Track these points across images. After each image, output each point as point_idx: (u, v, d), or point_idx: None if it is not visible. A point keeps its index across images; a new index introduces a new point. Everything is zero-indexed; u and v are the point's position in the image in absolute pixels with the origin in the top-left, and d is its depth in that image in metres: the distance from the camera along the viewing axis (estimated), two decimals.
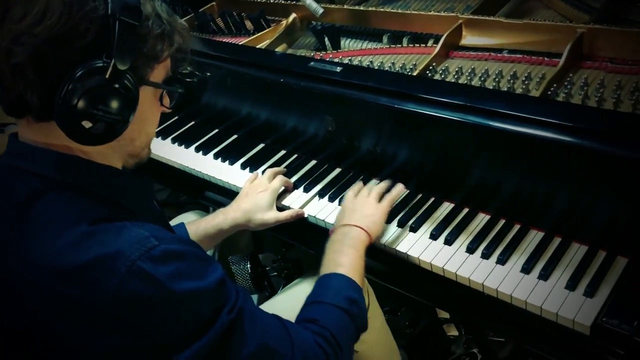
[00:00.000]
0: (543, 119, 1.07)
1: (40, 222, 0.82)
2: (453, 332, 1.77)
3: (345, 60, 1.54)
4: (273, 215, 1.35)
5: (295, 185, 1.47)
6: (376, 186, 1.30)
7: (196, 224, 1.37)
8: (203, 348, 0.82)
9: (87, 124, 0.81)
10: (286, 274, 1.96)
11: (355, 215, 1.21)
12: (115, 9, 0.79)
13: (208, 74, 1.63)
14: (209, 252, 1.65)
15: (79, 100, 0.79)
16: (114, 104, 0.81)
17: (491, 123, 1.11)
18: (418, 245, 1.22)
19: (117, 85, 0.81)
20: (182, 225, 1.37)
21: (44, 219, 0.82)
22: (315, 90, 1.37)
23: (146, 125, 0.93)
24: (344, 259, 1.12)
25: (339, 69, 1.36)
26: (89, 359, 0.82)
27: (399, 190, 1.29)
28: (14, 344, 0.87)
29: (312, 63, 1.42)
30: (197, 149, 1.70)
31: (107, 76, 0.80)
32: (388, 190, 1.30)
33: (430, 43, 1.53)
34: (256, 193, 1.39)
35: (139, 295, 0.78)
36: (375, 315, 1.54)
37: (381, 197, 1.28)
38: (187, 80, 0.99)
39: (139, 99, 0.85)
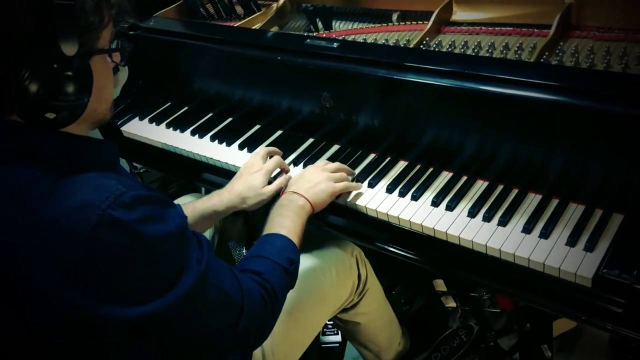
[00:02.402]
0: (536, 81, 1.10)
1: (4, 186, 0.82)
2: (451, 303, 1.81)
3: (340, 39, 1.56)
4: (266, 191, 1.36)
5: (295, 163, 1.49)
6: (341, 171, 1.35)
7: (192, 206, 1.38)
8: (175, 299, 0.85)
9: (50, 115, 0.81)
10: None
11: (307, 185, 1.29)
12: None
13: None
14: (208, 234, 1.66)
15: (36, 96, 0.78)
16: (72, 89, 0.81)
17: (487, 88, 1.15)
18: (420, 213, 1.25)
19: (70, 72, 0.80)
20: (177, 206, 1.38)
21: (7, 183, 0.82)
22: (312, 67, 1.39)
23: (104, 91, 0.91)
24: (288, 222, 1.20)
25: (335, 44, 1.39)
26: (69, 311, 0.82)
27: (355, 186, 1.35)
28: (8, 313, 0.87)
29: (308, 40, 1.44)
30: (193, 133, 1.71)
31: (57, 65, 0.79)
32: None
33: (421, 20, 1.56)
34: (250, 174, 1.40)
35: (112, 243, 0.79)
36: (374, 285, 1.59)
37: None
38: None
39: (93, 71, 0.84)
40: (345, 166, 1.39)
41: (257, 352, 1.25)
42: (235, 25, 1.75)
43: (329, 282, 1.42)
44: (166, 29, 1.73)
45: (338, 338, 1.95)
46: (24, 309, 0.84)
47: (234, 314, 0.96)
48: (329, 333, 1.98)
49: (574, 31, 1.35)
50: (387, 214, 1.28)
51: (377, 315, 1.63)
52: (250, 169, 1.42)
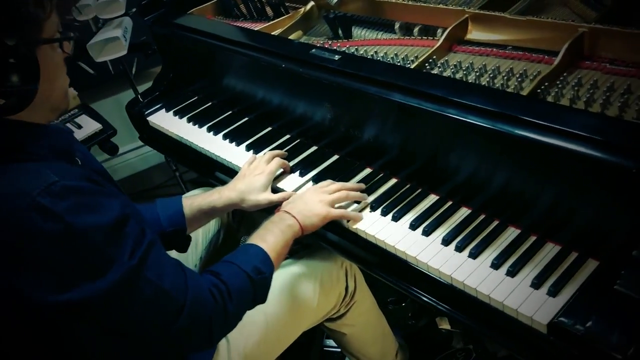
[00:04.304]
0: (519, 116, 1.07)
1: None
2: (445, 325, 1.78)
3: (353, 49, 1.56)
4: (266, 197, 1.40)
5: (293, 169, 1.51)
6: (343, 191, 1.33)
7: (192, 199, 1.43)
8: (100, 290, 0.88)
9: (0, 102, 0.86)
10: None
11: (302, 208, 1.29)
12: None
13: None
14: (213, 229, 1.70)
15: None
16: (17, 76, 0.85)
17: (465, 117, 1.12)
18: (396, 235, 1.24)
19: (13, 60, 0.84)
20: (179, 198, 1.43)
21: None
22: (312, 77, 1.40)
23: (56, 80, 0.95)
24: (270, 237, 1.21)
25: (337, 57, 1.39)
26: (1, 291, 0.89)
27: (354, 216, 1.31)
28: None
29: (313, 50, 1.45)
30: (209, 129, 1.77)
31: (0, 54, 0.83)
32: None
33: (438, 36, 1.53)
34: (253, 175, 1.43)
35: (39, 229, 0.84)
36: (364, 299, 1.58)
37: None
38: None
39: (40, 61, 0.88)
40: (351, 189, 1.35)
41: (223, 352, 1.29)
42: (259, 27, 1.78)
43: (312, 291, 1.43)
44: (190, 26, 1.79)
45: None
46: None
47: (171, 311, 0.98)
48: None
49: (584, 61, 1.28)
50: (365, 232, 1.28)
51: (365, 328, 1.63)
52: (254, 170, 1.45)
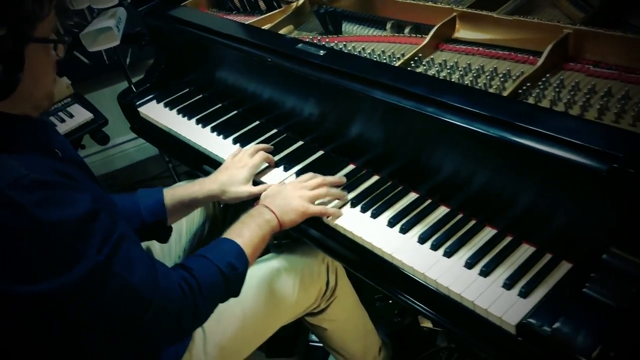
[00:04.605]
0: (494, 116, 1.06)
1: None
2: (426, 324, 1.78)
3: (341, 45, 1.56)
4: (246, 189, 1.40)
5: (277, 164, 1.51)
6: (323, 188, 1.33)
7: (173, 190, 1.43)
8: (67, 284, 0.88)
9: None
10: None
11: (280, 202, 1.28)
12: None
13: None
14: (198, 221, 1.70)
15: None
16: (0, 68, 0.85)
17: (443, 116, 1.11)
18: (374, 231, 1.24)
19: None
20: (160, 189, 1.43)
21: None
22: (297, 72, 1.40)
23: (41, 79, 0.95)
24: (247, 232, 1.20)
25: (322, 52, 1.39)
26: None
27: (334, 212, 1.31)
28: None
29: (299, 45, 1.45)
30: (198, 122, 1.77)
31: None
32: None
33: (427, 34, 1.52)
34: (236, 168, 1.43)
35: (6, 223, 0.84)
36: (346, 295, 1.58)
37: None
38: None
39: (28, 57, 0.89)
40: (333, 184, 1.35)
41: (199, 342, 1.29)
42: (252, 21, 1.78)
43: (292, 286, 1.44)
44: (182, 18, 1.79)
45: None
46: None
47: (140, 306, 0.98)
48: None
49: (568, 63, 1.28)
50: (344, 228, 1.28)
51: (347, 324, 1.63)
52: (237, 163, 1.45)
